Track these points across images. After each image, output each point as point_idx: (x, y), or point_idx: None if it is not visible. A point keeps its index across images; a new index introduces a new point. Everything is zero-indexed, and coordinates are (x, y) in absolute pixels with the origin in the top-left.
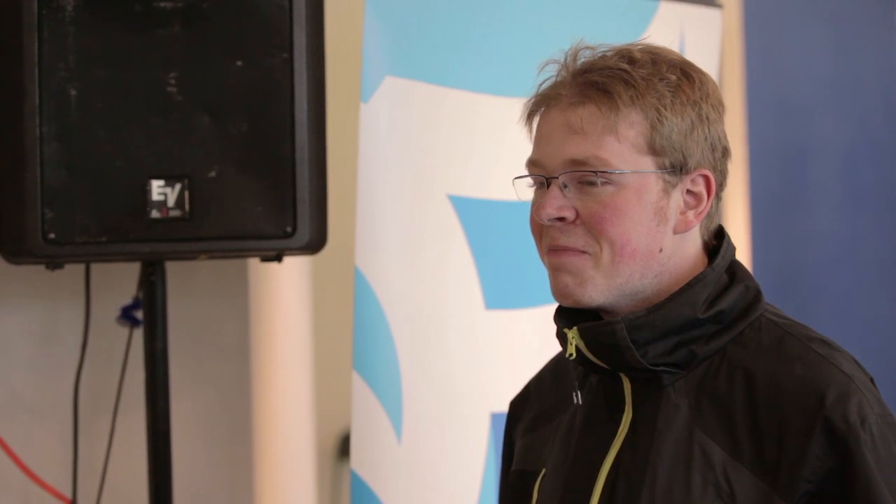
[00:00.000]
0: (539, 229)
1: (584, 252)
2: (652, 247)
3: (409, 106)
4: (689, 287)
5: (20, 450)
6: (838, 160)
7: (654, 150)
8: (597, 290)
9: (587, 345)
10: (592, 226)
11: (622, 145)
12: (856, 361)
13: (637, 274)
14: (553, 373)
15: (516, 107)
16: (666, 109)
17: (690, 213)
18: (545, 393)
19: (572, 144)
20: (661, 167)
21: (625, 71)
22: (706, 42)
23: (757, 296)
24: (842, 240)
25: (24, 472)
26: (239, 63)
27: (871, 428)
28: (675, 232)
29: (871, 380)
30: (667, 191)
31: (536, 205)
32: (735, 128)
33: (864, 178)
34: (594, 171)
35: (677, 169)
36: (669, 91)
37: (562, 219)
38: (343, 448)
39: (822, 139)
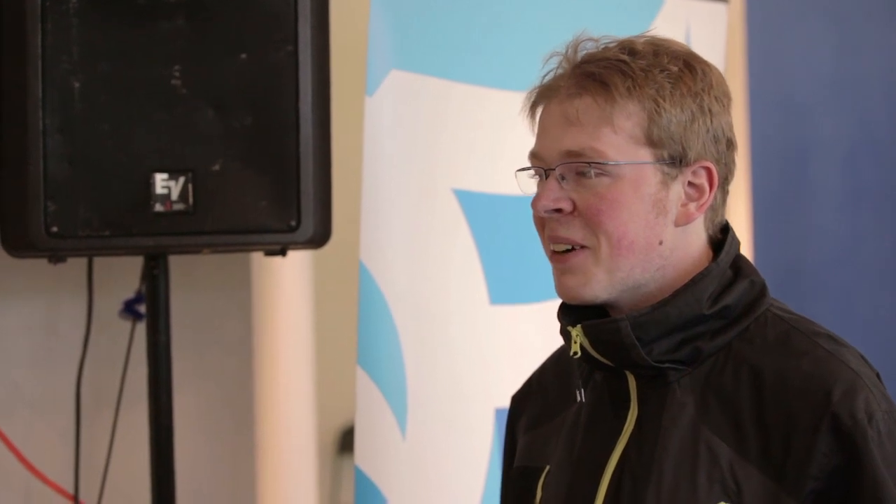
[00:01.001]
0: (541, 222)
1: (583, 247)
2: (651, 239)
3: (414, 100)
4: (694, 283)
5: (22, 445)
6: (840, 158)
7: (651, 142)
8: (600, 286)
9: (591, 343)
10: (589, 218)
11: (619, 136)
12: (862, 357)
13: (638, 267)
14: (555, 367)
15: (522, 101)
16: (665, 101)
17: (692, 206)
18: (548, 388)
19: (569, 136)
20: (660, 159)
21: (623, 62)
22: (712, 37)
23: (762, 291)
24: (843, 238)
25: (26, 466)
26: (243, 56)
27: (879, 424)
28: (677, 224)
29: (878, 375)
30: (666, 183)
31: (534, 197)
32: (737, 125)
33: (865, 176)
34: (588, 163)
35: (677, 161)
36: (669, 82)
37: (559, 210)
38: (343, 443)
39: (824, 137)
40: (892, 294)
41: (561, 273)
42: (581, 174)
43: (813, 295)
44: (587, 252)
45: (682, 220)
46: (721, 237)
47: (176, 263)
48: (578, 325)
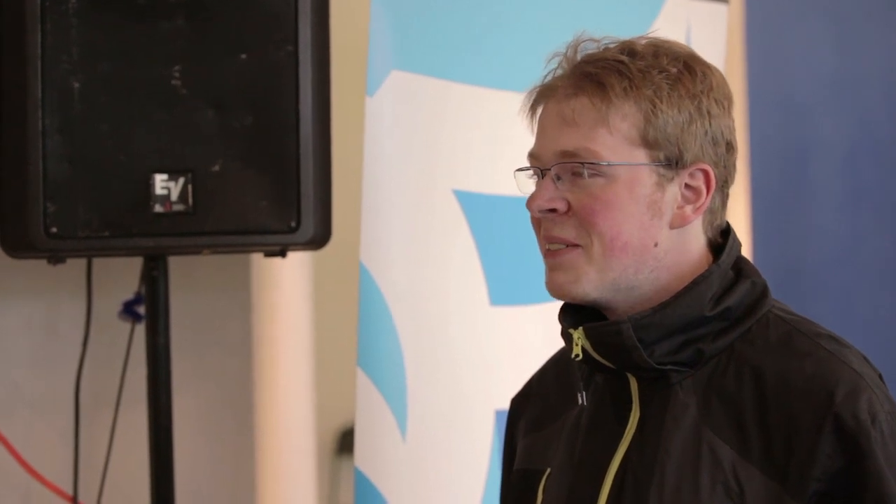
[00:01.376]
0: (538, 222)
1: (576, 245)
2: (645, 241)
3: (414, 100)
4: (695, 285)
5: (21, 446)
6: (840, 158)
7: (647, 143)
8: (591, 285)
9: (593, 345)
10: (583, 218)
11: (614, 137)
12: (864, 358)
13: (631, 268)
14: (556, 369)
15: (521, 101)
16: (661, 102)
17: (688, 208)
18: (548, 390)
19: (565, 136)
20: (655, 160)
21: (621, 62)
22: (712, 37)
23: (764, 292)
24: (843, 238)
25: (25, 468)
26: (243, 56)
27: (882, 425)
28: (672, 227)
29: (880, 376)
30: (661, 184)
31: (530, 196)
32: (736, 125)
33: (865, 176)
34: (582, 163)
35: (673, 162)
36: (668, 83)
37: (554, 210)
38: (343, 444)
39: (824, 137)
40: (892, 294)
41: (552, 269)
42: (576, 174)
43: (813, 295)
44: (579, 250)
45: (678, 223)
46: (721, 240)
47: (176, 264)
48: (580, 328)
